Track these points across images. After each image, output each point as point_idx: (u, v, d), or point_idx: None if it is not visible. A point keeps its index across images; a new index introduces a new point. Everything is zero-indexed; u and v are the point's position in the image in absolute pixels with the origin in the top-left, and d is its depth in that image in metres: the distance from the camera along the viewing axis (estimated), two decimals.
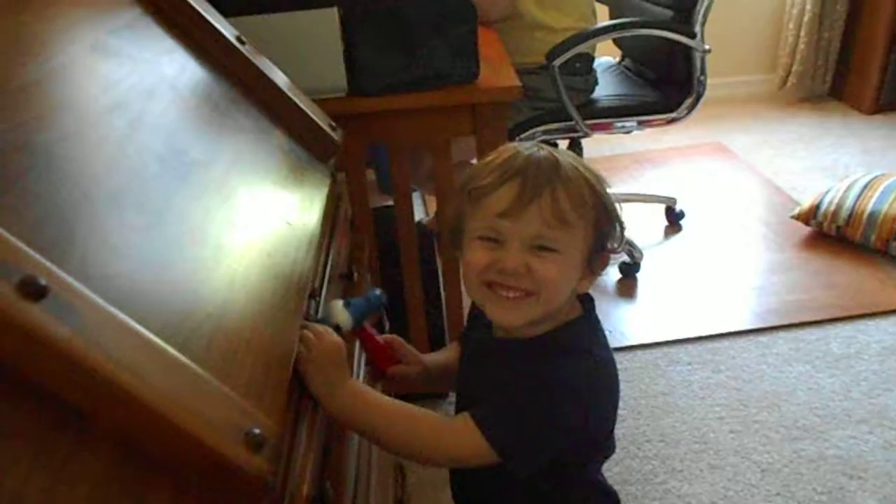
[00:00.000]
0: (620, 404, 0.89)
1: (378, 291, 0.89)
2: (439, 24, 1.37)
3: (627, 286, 2.23)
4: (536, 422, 0.76)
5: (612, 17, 2.38)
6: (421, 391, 1.12)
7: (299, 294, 0.78)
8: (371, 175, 2.06)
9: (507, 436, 0.75)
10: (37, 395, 0.46)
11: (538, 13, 2.03)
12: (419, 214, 1.91)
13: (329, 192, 1.03)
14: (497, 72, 1.48)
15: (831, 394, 1.77)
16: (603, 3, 2.43)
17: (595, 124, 2.13)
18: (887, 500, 1.49)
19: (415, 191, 1.90)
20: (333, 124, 1.11)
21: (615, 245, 0.81)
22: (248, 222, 0.80)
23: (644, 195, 2.58)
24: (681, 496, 1.54)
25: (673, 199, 2.53)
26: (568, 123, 2.09)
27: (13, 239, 0.46)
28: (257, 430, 0.53)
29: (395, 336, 0.94)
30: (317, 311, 0.84)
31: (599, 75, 2.23)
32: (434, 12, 1.36)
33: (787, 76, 3.41)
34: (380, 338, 0.92)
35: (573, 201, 0.75)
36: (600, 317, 0.87)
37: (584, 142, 2.50)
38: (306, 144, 1.06)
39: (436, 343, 1.74)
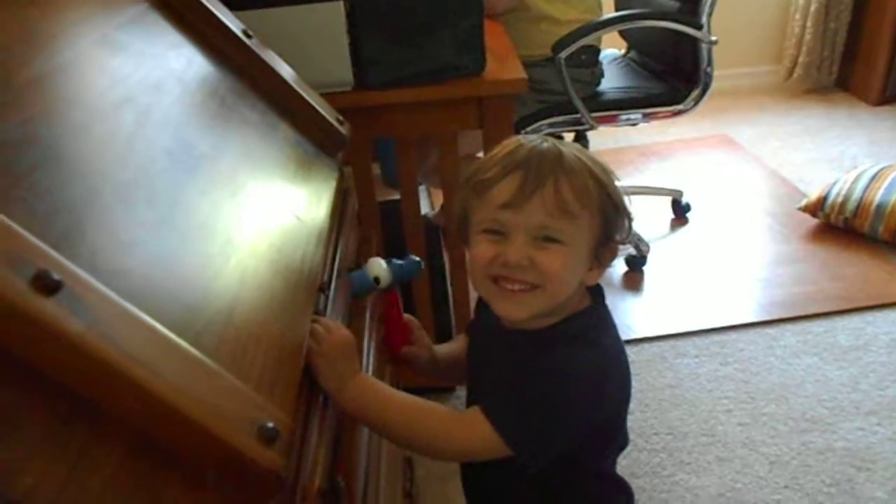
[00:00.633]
0: None
1: (417, 258, 0.89)
2: (445, 17, 1.36)
3: (634, 279, 2.23)
4: (547, 413, 0.76)
5: (617, 9, 2.37)
6: (428, 385, 1.12)
7: (309, 288, 0.78)
8: (375, 169, 2.06)
9: (519, 428, 0.75)
10: (51, 389, 0.46)
11: (544, 5, 2.03)
12: (425, 208, 1.90)
13: (337, 186, 1.02)
14: (504, 64, 1.47)
15: (839, 386, 1.77)
16: None
17: (601, 117, 2.13)
18: None
19: (420, 184, 1.90)
20: (341, 118, 1.11)
21: (623, 236, 0.81)
22: (257, 216, 0.80)
23: (650, 188, 2.57)
24: (689, 489, 1.54)
25: (679, 191, 2.53)
26: (574, 116, 2.08)
27: (26, 233, 0.46)
28: (270, 424, 0.53)
29: (413, 318, 0.95)
30: (325, 306, 0.84)
31: (605, 67, 2.22)
32: (440, 5, 1.35)
33: (794, 67, 3.39)
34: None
35: (576, 192, 0.75)
36: None
37: (589, 134, 2.49)
38: (314, 138, 1.06)
39: (442, 338, 1.73)
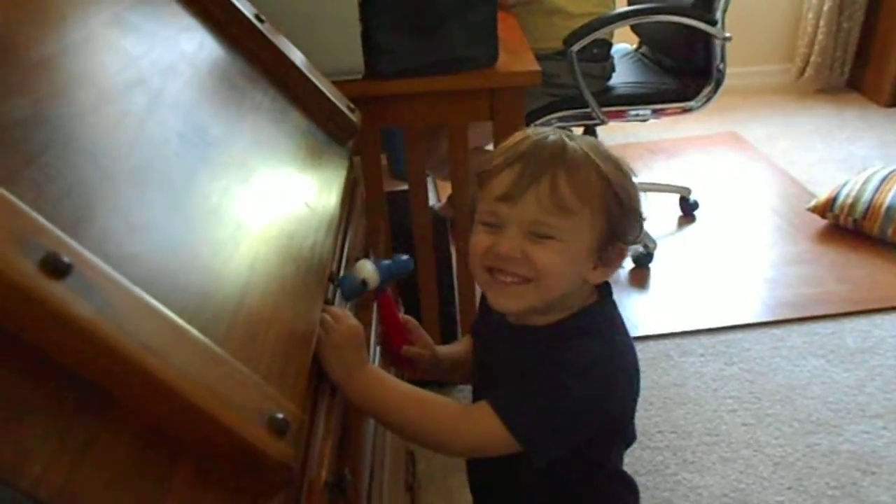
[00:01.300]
0: None
1: (406, 256, 0.88)
2: (459, 8, 1.35)
3: (640, 276, 2.21)
4: (556, 407, 0.74)
5: (629, 4, 2.35)
6: (429, 379, 1.11)
7: (319, 277, 0.77)
8: (383, 160, 2.04)
9: (527, 422, 0.74)
10: (59, 375, 0.45)
11: None
12: (431, 200, 1.89)
13: (347, 175, 1.01)
14: (516, 56, 1.46)
15: (845, 388, 1.75)
16: None
17: (611, 112, 2.11)
18: None
19: (427, 176, 1.88)
20: (352, 106, 1.10)
21: (632, 238, 0.78)
22: (268, 203, 0.79)
23: (658, 185, 2.55)
24: (692, 488, 1.53)
25: (687, 189, 2.51)
26: (584, 110, 2.07)
27: (36, 215, 0.45)
28: (280, 415, 0.52)
29: (411, 318, 0.93)
30: (334, 295, 0.83)
31: (616, 62, 2.20)
32: None
33: (805, 67, 3.37)
34: (400, 314, 0.91)
35: (576, 187, 0.73)
36: None
37: (598, 130, 2.47)
38: (324, 126, 1.05)
39: (448, 331, 1.73)
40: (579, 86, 1.98)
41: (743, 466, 1.57)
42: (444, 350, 0.95)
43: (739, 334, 1.95)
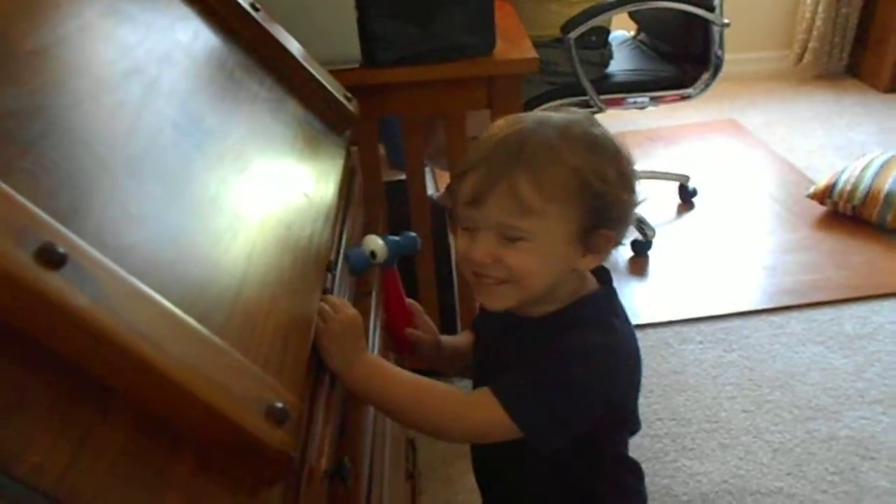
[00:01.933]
0: None
1: (414, 234, 0.88)
2: None
3: (639, 264, 2.21)
4: (558, 394, 0.74)
5: None
6: (431, 367, 1.11)
7: (317, 267, 0.77)
8: (381, 149, 2.04)
9: (528, 408, 0.73)
10: (56, 366, 0.45)
11: None
12: (430, 189, 1.88)
13: (344, 165, 1.01)
14: (513, 44, 1.45)
15: (844, 374, 1.76)
16: None
17: (609, 99, 2.10)
18: None
19: (426, 165, 1.88)
20: (349, 95, 1.09)
21: (620, 222, 0.76)
22: (265, 193, 0.78)
23: (657, 172, 2.55)
24: (692, 474, 1.53)
25: (686, 176, 2.51)
26: (582, 98, 2.06)
27: (31, 205, 0.45)
28: (279, 404, 0.52)
29: (416, 303, 0.93)
30: (333, 285, 0.83)
31: (614, 49, 2.19)
32: None
33: (804, 53, 3.35)
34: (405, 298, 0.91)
35: (536, 187, 0.71)
36: None
37: (597, 117, 2.46)
38: (322, 115, 1.04)
39: (447, 321, 1.73)
40: (577, 73, 1.98)
41: (742, 453, 1.57)
42: (446, 339, 0.95)
43: (738, 321, 1.95)
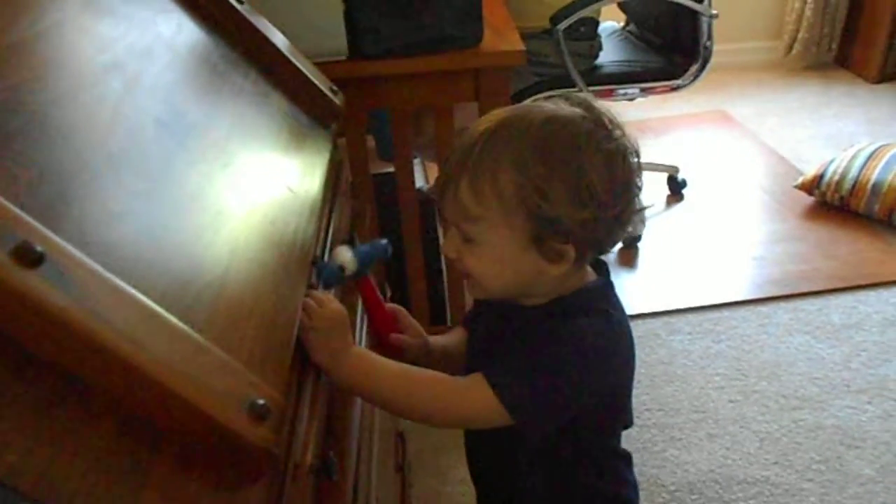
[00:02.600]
0: None
1: (384, 241, 0.88)
2: None
3: (628, 255, 2.22)
4: (549, 379, 0.74)
5: None
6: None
7: (301, 261, 0.76)
8: (370, 141, 2.03)
9: (518, 394, 0.73)
10: (35, 365, 0.44)
11: None
12: (419, 181, 1.88)
13: (330, 158, 1.01)
14: (501, 36, 1.44)
15: (831, 364, 1.77)
16: None
17: (598, 91, 2.10)
18: (885, 469, 1.50)
19: (415, 157, 1.87)
20: (335, 88, 1.09)
21: (579, 239, 0.73)
22: (249, 188, 0.78)
23: (646, 164, 2.53)
24: (679, 464, 1.54)
25: (675, 167, 2.51)
26: (570, 90, 2.06)
27: (7, 203, 0.44)
28: (261, 401, 0.52)
29: (399, 306, 0.92)
30: (318, 277, 0.83)
31: (603, 40, 2.19)
32: None
33: (793, 43, 3.36)
34: (385, 304, 0.90)
35: (474, 194, 0.71)
36: None
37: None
38: (307, 109, 1.04)
39: (436, 313, 1.73)
40: (566, 65, 1.97)
41: (729, 442, 1.59)
42: (435, 339, 0.94)
43: (727, 312, 1.96)
